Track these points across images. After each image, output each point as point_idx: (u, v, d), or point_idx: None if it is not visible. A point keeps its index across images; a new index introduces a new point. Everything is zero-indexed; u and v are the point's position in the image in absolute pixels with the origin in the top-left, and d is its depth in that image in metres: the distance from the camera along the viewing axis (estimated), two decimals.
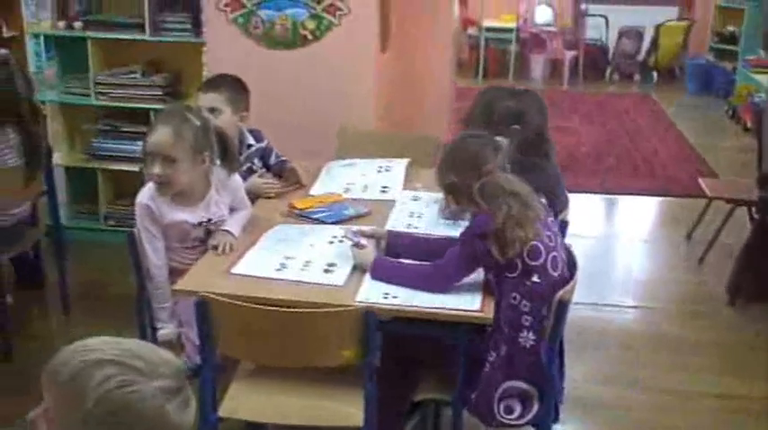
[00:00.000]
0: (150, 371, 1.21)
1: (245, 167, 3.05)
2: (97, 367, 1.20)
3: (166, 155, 2.45)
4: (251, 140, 3.15)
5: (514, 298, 2.21)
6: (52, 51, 4.35)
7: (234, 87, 3.06)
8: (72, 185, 4.49)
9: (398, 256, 2.44)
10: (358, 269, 2.37)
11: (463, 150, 2.35)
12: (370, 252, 2.38)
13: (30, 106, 3.22)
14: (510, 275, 2.20)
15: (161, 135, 2.46)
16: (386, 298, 2.23)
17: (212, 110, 2.96)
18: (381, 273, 2.32)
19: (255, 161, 3.16)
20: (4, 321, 3.31)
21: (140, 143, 4.12)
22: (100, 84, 4.23)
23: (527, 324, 2.21)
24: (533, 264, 2.19)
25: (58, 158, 4.13)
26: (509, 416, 2.26)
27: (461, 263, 2.24)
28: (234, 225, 2.62)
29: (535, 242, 2.19)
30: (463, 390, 2.26)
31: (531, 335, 2.21)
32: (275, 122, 3.35)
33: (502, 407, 2.25)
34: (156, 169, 2.46)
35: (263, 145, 3.20)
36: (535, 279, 2.20)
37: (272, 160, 3.22)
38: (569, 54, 9.63)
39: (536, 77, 9.88)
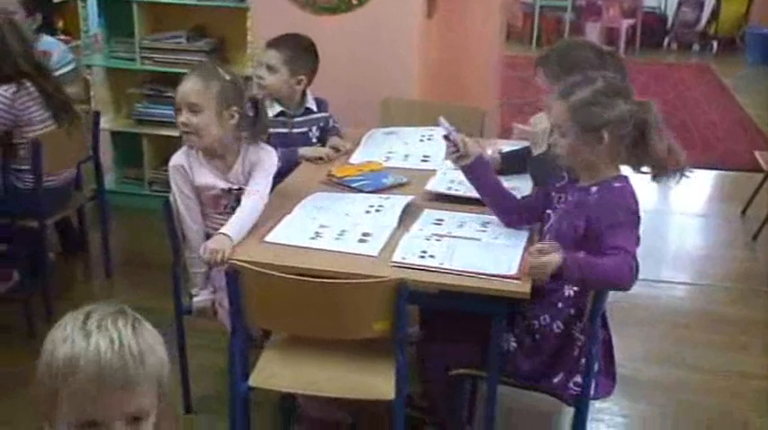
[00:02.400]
0: None
1: (297, 131, 3.02)
2: None
3: (192, 103, 2.44)
4: (312, 105, 3.10)
5: None
6: (99, 16, 4.36)
7: (296, 49, 3.01)
8: (117, 150, 4.51)
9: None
10: (536, 274, 2.04)
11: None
12: (554, 255, 2.00)
13: (30, 63, 3.20)
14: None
15: (188, 83, 2.47)
16: (423, 257, 2.19)
17: (269, 66, 2.96)
18: (575, 271, 2.01)
19: (313, 129, 3.12)
20: (47, 284, 3.34)
21: None
22: (145, 48, 4.22)
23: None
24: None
25: (103, 123, 4.14)
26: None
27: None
28: (235, 226, 2.33)
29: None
30: (503, 364, 2.21)
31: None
32: (318, 89, 3.29)
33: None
34: (182, 117, 2.46)
35: (325, 115, 3.16)
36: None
37: (329, 126, 3.19)
38: (626, 22, 9.35)
39: None
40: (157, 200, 4.28)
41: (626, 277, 2.03)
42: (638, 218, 2.13)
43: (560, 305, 2.19)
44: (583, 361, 2.19)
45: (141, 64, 4.25)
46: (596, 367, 2.22)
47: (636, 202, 2.13)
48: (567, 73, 2.33)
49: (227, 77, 2.48)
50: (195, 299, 2.57)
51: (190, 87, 2.45)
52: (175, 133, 4.09)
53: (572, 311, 2.19)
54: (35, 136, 3.17)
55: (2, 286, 3.44)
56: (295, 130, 3.06)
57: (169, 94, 4.28)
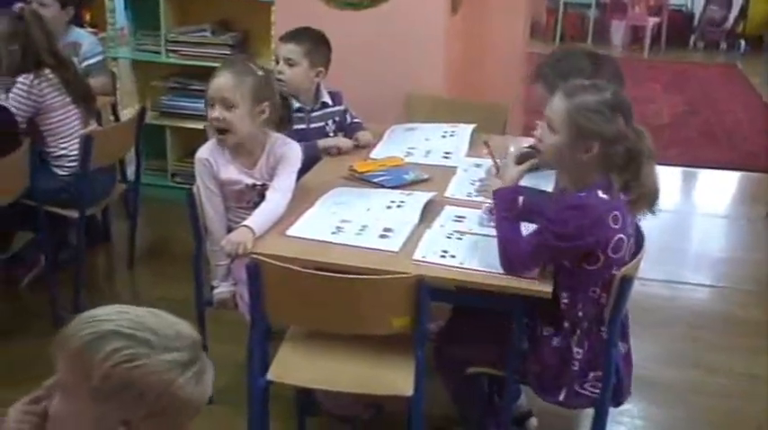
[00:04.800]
0: (161, 343, 1.18)
1: (314, 125, 3.03)
2: (105, 339, 1.16)
3: (225, 98, 2.45)
4: (327, 99, 3.11)
5: (594, 291, 2.12)
6: (126, 9, 4.40)
7: (314, 41, 3.03)
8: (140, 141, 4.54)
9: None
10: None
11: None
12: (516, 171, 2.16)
13: (52, 56, 3.26)
14: (590, 267, 2.09)
15: (221, 78, 2.48)
16: (443, 256, 2.19)
17: (288, 60, 2.96)
18: (502, 203, 2.14)
19: (329, 123, 3.12)
20: (78, 273, 3.37)
21: None
22: (171, 41, 4.25)
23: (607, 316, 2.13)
24: (615, 256, 2.08)
25: (127, 114, 4.18)
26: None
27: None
28: (258, 220, 2.35)
29: (621, 234, 2.07)
30: (518, 365, 2.21)
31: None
32: (342, 84, 3.29)
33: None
34: (216, 113, 2.46)
35: (341, 108, 3.17)
36: (614, 271, 2.09)
37: (347, 121, 3.19)
38: (652, 20, 9.28)
39: (616, 44, 9.56)
40: (180, 191, 4.32)
41: (505, 260, 2.09)
42: (571, 238, 2.03)
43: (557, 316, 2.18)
44: (591, 375, 2.17)
45: (167, 57, 4.28)
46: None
47: (586, 223, 2.02)
48: (562, 81, 2.27)
49: (260, 72, 2.50)
50: (216, 290, 2.60)
51: (223, 82, 2.46)
52: (199, 125, 4.17)
53: (566, 324, 2.17)
54: (59, 122, 3.24)
55: (29, 274, 3.49)
56: (312, 125, 3.07)
57: (193, 87, 4.33)
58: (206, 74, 4.21)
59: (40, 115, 3.22)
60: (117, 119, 4.17)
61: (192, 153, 4.44)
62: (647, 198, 2.10)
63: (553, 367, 2.18)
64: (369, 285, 2.08)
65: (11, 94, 3.13)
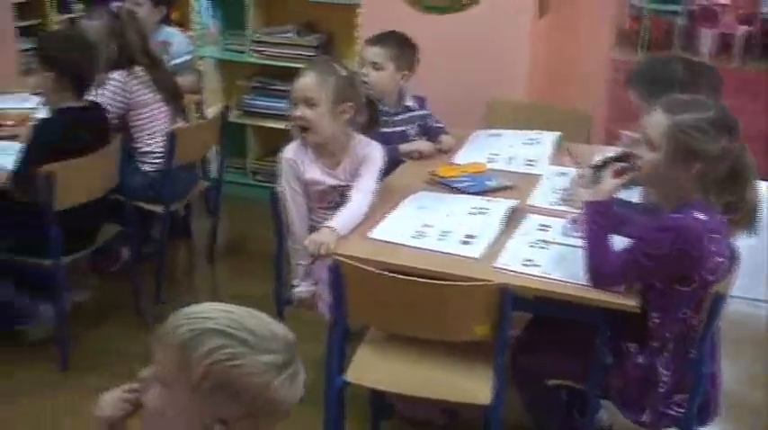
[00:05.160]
0: (258, 344, 1.19)
1: (397, 129, 3.03)
2: (205, 336, 1.18)
3: (308, 97, 2.48)
4: (410, 103, 3.11)
5: (684, 313, 2.06)
6: (213, 9, 4.47)
7: (400, 44, 3.04)
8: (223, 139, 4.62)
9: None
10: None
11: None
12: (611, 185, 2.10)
13: (145, 55, 3.36)
14: (683, 289, 2.02)
15: (305, 78, 2.51)
16: (526, 265, 2.16)
17: (374, 64, 2.98)
18: (594, 216, 2.08)
19: (412, 127, 3.12)
20: (162, 266, 3.46)
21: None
22: (256, 41, 4.31)
23: (696, 337, 2.07)
24: (711, 278, 2.01)
25: (211, 113, 4.26)
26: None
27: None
28: (341, 220, 2.37)
29: (718, 257, 1.99)
30: (601, 379, 2.16)
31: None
32: (425, 87, 3.29)
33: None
34: (299, 111, 2.49)
35: (424, 112, 3.16)
36: (709, 291, 2.03)
37: (431, 125, 3.19)
38: (742, 29, 8.99)
39: (704, 52, 9.30)
40: (259, 189, 4.42)
41: (592, 273, 2.04)
42: (664, 260, 1.96)
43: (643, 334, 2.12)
44: (677, 397, 2.11)
45: (251, 57, 4.34)
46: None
47: (682, 246, 1.94)
48: (658, 91, 2.22)
49: (344, 73, 2.52)
50: (296, 289, 2.61)
51: (307, 82, 2.49)
52: (279, 125, 4.23)
53: (653, 344, 2.11)
54: (149, 119, 3.32)
55: (114, 266, 3.58)
56: (395, 129, 3.07)
57: (276, 87, 4.38)
58: (289, 74, 4.27)
59: (130, 112, 3.31)
60: (202, 117, 4.25)
61: (272, 152, 4.54)
62: (748, 217, 2.03)
63: (637, 384, 2.12)
64: (454, 291, 2.06)
65: (104, 91, 3.22)
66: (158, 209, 3.39)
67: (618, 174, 2.11)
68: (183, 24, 5.04)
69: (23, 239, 2.90)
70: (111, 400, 1.32)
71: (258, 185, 4.48)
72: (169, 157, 3.29)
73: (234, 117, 4.50)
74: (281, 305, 2.68)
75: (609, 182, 2.11)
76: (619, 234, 2.15)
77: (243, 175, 4.58)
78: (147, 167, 3.39)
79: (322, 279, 2.51)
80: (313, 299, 2.62)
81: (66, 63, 2.85)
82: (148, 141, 3.38)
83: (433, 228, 2.37)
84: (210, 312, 1.22)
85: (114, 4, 3.54)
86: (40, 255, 2.84)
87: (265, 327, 1.22)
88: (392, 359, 2.27)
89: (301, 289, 2.60)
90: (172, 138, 3.27)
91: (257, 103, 4.44)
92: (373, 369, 2.25)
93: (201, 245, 3.99)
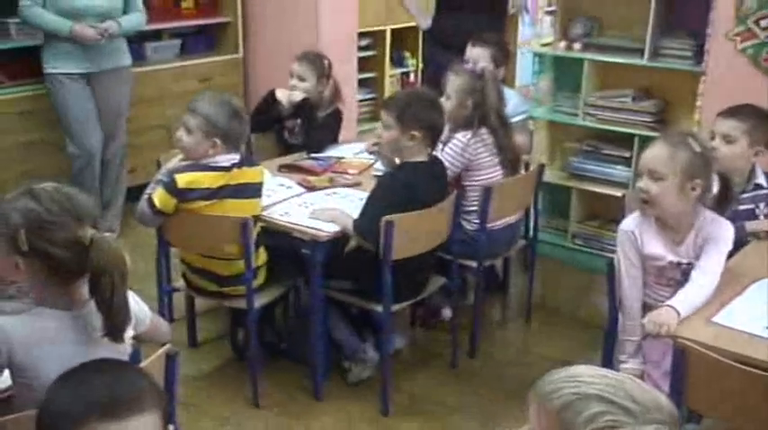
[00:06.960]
0: (641, 413, 1.14)
1: (744, 207, 2.85)
2: (588, 402, 1.16)
3: (654, 170, 2.40)
4: (761, 181, 2.93)
5: None
6: (539, 67, 4.54)
7: (758, 118, 2.89)
8: (545, 199, 4.63)
9: None
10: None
11: None
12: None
13: (498, 118, 3.43)
14: None
15: (655, 150, 2.43)
16: None
17: (726, 137, 2.86)
18: None
19: (761, 206, 2.92)
20: (477, 320, 3.53)
21: (620, 167, 4.19)
22: (589, 105, 4.28)
23: None
24: None
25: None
26: None
27: None
28: (683, 301, 2.26)
29: None
30: None
31: None
32: None
33: None
34: (642, 183, 2.43)
35: None
36: None
37: None
38: None
39: None
40: (578, 253, 4.36)
41: None
42: None
43: None
44: None
45: (583, 120, 4.32)
46: None
47: None
48: None
49: (698, 149, 2.41)
50: (623, 366, 2.52)
51: (655, 154, 2.42)
52: (606, 191, 4.15)
53: None
54: (483, 180, 3.41)
55: (433, 319, 3.73)
56: (741, 207, 2.87)
57: (606, 152, 4.32)
58: (621, 139, 4.25)
59: (467, 172, 3.43)
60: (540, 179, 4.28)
61: (595, 217, 4.48)
62: None
63: None
64: None
65: (447, 148, 3.37)
66: (472, 263, 3.44)
67: None
68: (506, 83, 5.19)
69: (360, 283, 3.09)
70: None
71: (577, 249, 4.43)
72: (483, 212, 3.34)
73: (558, 179, 4.51)
74: None
75: None
76: None
77: (562, 237, 4.55)
78: (467, 225, 3.45)
79: (652, 359, 2.42)
80: (640, 377, 2.51)
81: (426, 121, 2.99)
82: (476, 200, 3.46)
83: None
84: (592, 376, 1.20)
85: (479, 65, 3.69)
86: (372, 299, 3.02)
87: (647, 395, 1.17)
88: None
89: (630, 366, 2.51)
90: (488, 193, 3.32)
91: (584, 166, 4.40)
92: None
93: (515, 301, 4.02)
